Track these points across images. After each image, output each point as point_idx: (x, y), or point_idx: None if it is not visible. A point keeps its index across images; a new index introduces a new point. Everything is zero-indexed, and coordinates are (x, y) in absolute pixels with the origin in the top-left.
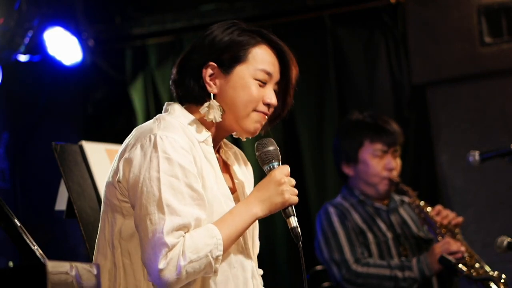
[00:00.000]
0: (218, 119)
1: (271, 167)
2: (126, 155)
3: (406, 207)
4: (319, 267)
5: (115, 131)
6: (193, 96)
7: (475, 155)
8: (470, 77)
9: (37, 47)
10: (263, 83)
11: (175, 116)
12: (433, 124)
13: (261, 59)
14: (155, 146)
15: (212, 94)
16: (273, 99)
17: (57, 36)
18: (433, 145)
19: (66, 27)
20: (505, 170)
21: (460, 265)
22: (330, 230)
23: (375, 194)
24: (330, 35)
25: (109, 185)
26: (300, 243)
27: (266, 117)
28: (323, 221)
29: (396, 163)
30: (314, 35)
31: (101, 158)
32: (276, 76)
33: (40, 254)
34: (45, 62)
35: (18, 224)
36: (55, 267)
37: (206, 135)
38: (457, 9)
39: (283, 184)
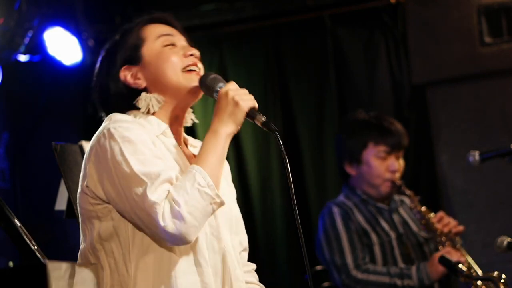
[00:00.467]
0: (156, 107)
1: (218, 89)
2: (88, 159)
3: (405, 207)
4: (319, 267)
5: None
6: (128, 103)
7: (475, 155)
8: (470, 77)
9: (37, 47)
10: (172, 45)
11: (123, 115)
12: (433, 124)
13: (154, 30)
14: (111, 137)
15: (143, 90)
16: (192, 49)
17: (57, 36)
18: (433, 145)
19: (66, 27)
20: (505, 170)
21: (460, 265)
22: (333, 231)
23: (377, 195)
24: (330, 35)
25: (80, 194)
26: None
27: (198, 68)
28: (327, 221)
29: (399, 165)
30: (314, 35)
31: None
32: (178, 36)
33: (40, 254)
34: (45, 62)
35: (18, 224)
36: (55, 267)
37: (164, 126)
38: (457, 9)
39: (233, 95)
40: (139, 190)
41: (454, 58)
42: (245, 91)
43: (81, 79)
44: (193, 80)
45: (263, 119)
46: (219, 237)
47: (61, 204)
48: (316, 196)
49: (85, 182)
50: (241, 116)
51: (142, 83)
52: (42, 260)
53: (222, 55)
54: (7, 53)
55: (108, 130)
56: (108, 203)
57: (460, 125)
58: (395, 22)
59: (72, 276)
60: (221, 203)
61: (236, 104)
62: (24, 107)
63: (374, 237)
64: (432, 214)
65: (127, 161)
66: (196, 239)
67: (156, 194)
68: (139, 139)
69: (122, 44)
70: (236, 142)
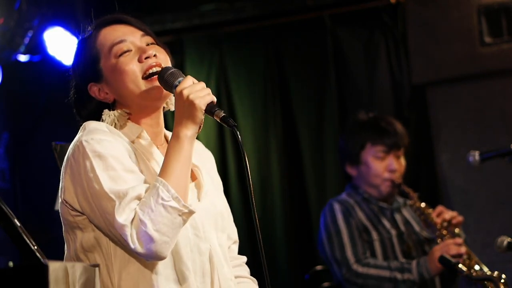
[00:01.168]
0: (122, 121)
1: (177, 84)
2: (65, 171)
3: (408, 208)
4: (319, 267)
5: None
6: (100, 115)
7: (475, 155)
8: (470, 77)
9: (37, 47)
10: (126, 52)
11: (98, 122)
12: (433, 124)
13: (105, 40)
14: (83, 151)
15: (111, 104)
16: (147, 51)
17: (57, 36)
18: (433, 145)
19: (66, 27)
20: (505, 170)
21: (460, 265)
22: (333, 227)
23: (378, 195)
24: (330, 35)
25: (61, 204)
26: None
27: (156, 68)
28: (328, 217)
29: (399, 164)
30: (314, 35)
31: None
32: (133, 36)
33: (40, 254)
34: (45, 62)
35: (18, 224)
36: (55, 267)
37: (138, 129)
38: (457, 9)
39: (187, 93)
40: (109, 209)
41: (454, 58)
42: (201, 85)
43: None
44: (152, 94)
45: (222, 114)
46: (203, 237)
47: None
48: (316, 196)
49: (63, 195)
50: (200, 115)
51: (110, 97)
52: (42, 260)
53: (222, 55)
54: (7, 53)
55: (81, 142)
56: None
57: (460, 125)
58: (395, 22)
59: (72, 276)
60: (190, 212)
61: (192, 103)
62: (24, 107)
63: (374, 234)
64: (431, 210)
65: (97, 178)
66: (177, 246)
67: (124, 215)
68: (110, 153)
69: (82, 60)
70: (235, 142)
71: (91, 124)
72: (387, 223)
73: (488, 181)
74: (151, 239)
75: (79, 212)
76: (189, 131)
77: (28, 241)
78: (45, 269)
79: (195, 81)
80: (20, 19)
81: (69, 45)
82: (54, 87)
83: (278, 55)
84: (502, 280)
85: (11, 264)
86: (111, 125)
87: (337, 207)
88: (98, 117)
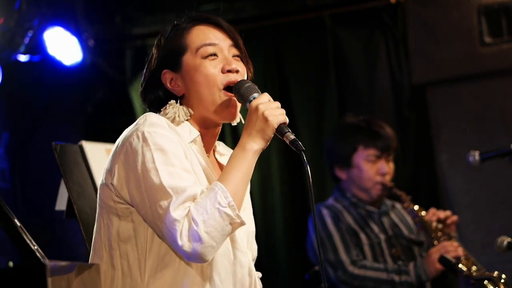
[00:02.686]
0: (183, 118)
1: (252, 99)
2: (117, 156)
3: (397, 211)
4: (318, 268)
5: (115, 131)
6: (164, 105)
7: (475, 155)
8: (470, 77)
9: (37, 47)
10: (213, 56)
11: (159, 116)
12: (433, 124)
13: (197, 37)
14: (145, 141)
15: (179, 97)
16: (232, 64)
17: (57, 36)
18: (433, 145)
19: (66, 27)
20: (505, 170)
21: (460, 265)
22: (324, 232)
23: (368, 198)
24: (330, 35)
25: (103, 187)
26: (302, 152)
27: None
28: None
29: (389, 168)
30: (314, 35)
31: (101, 158)
32: (223, 43)
33: (40, 254)
34: (45, 62)
35: (18, 224)
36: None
37: (195, 134)
38: (457, 9)
39: (263, 110)
40: (164, 203)
41: (454, 58)
42: (277, 104)
43: (81, 79)
44: (226, 112)
45: (292, 136)
46: (244, 251)
47: (61, 204)
48: (316, 196)
49: (111, 180)
50: (270, 133)
51: (180, 90)
52: (42, 260)
53: None
54: (7, 53)
55: (143, 133)
56: (131, 205)
57: (460, 125)
58: (395, 22)
59: (72, 276)
60: (241, 223)
61: (266, 119)
62: (24, 107)
63: (363, 238)
64: (424, 212)
65: (156, 171)
66: (216, 255)
67: (178, 211)
68: (171, 150)
69: (167, 46)
70: (235, 141)
71: (152, 117)
72: (375, 227)
73: (488, 181)
74: (200, 239)
75: (123, 200)
76: (256, 145)
77: (28, 241)
78: (45, 269)
79: (271, 99)
80: (20, 19)
81: (69, 45)
82: (54, 87)
83: (278, 55)
84: (502, 280)
85: (11, 264)
86: (171, 118)
87: (325, 212)
88: (160, 106)
